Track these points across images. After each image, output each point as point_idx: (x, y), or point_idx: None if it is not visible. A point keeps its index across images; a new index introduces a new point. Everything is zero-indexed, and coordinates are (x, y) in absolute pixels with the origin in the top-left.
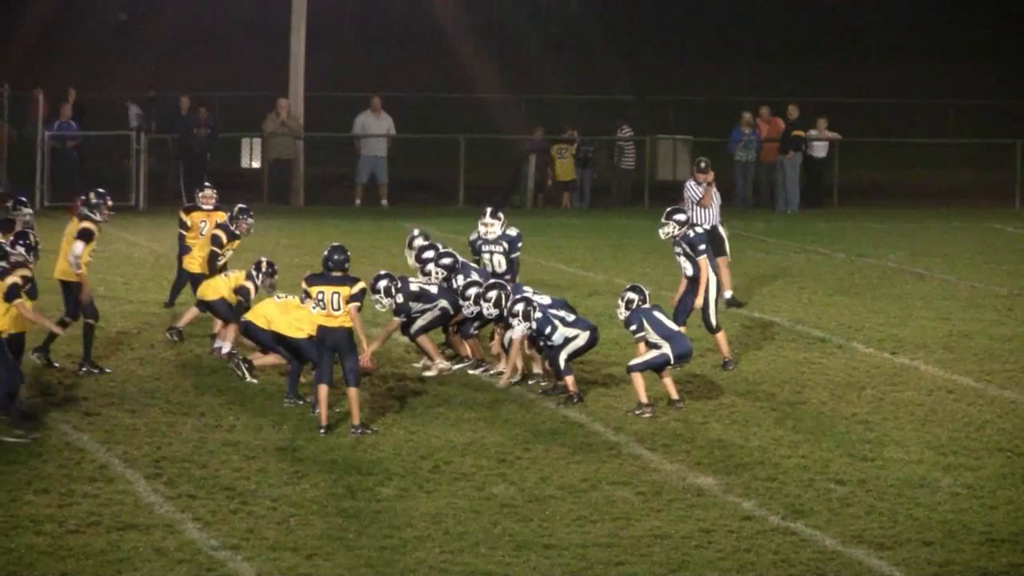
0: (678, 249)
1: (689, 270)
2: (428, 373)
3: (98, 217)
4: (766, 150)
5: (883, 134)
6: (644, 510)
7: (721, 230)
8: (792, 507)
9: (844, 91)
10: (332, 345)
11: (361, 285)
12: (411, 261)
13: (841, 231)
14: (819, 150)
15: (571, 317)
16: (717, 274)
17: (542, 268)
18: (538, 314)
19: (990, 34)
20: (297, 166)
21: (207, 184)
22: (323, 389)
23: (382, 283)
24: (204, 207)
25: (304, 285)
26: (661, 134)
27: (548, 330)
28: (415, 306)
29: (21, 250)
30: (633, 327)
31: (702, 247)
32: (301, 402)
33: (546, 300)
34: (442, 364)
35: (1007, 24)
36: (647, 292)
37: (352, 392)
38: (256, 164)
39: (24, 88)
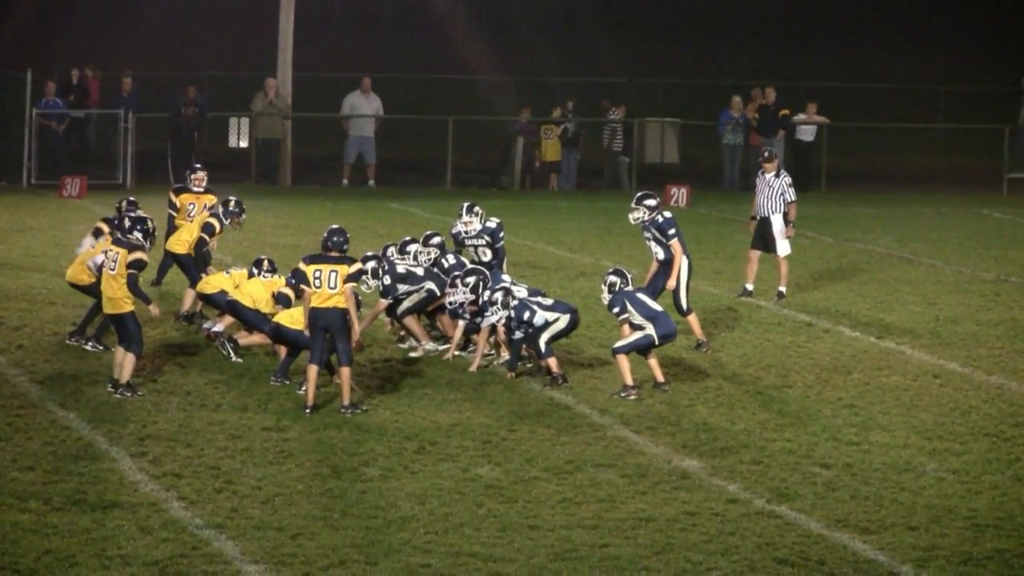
0: (647, 234)
1: (660, 254)
2: (414, 354)
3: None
4: (754, 134)
5: (872, 119)
6: (629, 492)
7: (773, 225)
8: (777, 491)
9: (834, 76)
10: (325, 326)
11: (359, 266)
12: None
13: (829, 215)
14: (807, 134)
15: (549, 301)
16: (689, 258)
17: (530, 250)
18: (515, 302)
19: (979, 21)
20: (285, 146)
21: (198, 166)
22: (313, 370)
23: (369, 264)
24: (194, 189)
25: (301, 265)
26: (650, 116)
27: (527, 316)
28: (401, 287)
29: (139, 235)
30: (616, 309)
31: (672, 231)
32: (288, 382)
33: (523, 292)
34: (428, 345)
35: (996, 11)
36: (630, 275)
37: (345, 372)
38: (244, 143)
39: (15, 67)
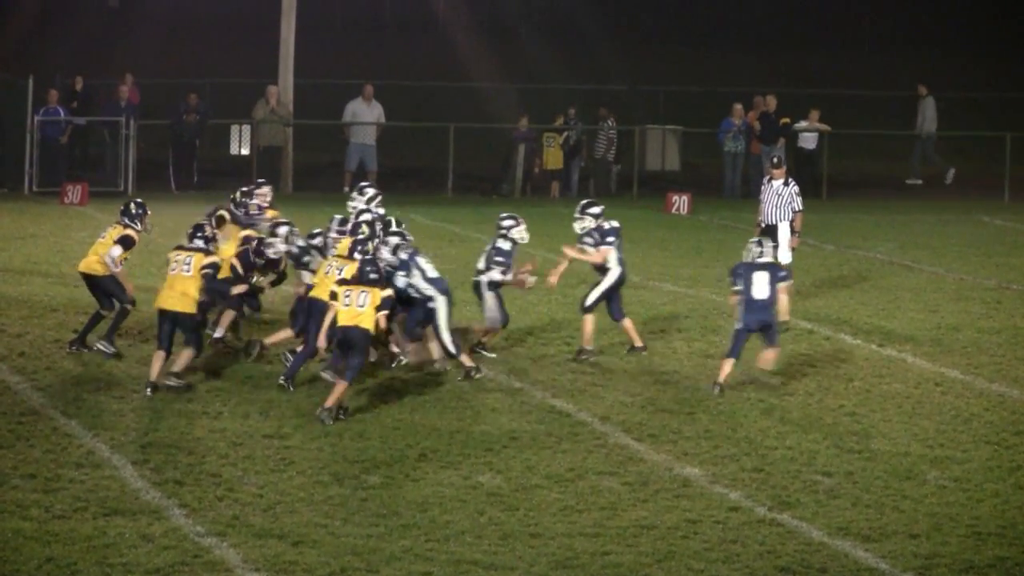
0: (589, 240)
1: (611, 261)
2: (406, 360)
3: (139, 227)
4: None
5: (874, 126)
6: (630, 500)
7: (780, 233)
8: (779, 498)
9: (834, 82)
10: (347, 341)
11: (389, 292)
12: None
13: (830, 223)
14: (810, 142)
15: (434, 273)
16: None
17: (531, 257)
18: (404, 256)
19: (980, 27)
20: (286, 153)
21: (262, 180)
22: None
23: (282, 229)
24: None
25: (335, 287)
26: (651, 124)
27: (402, 274)
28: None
29: (199, 242)
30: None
31: (610, 239)
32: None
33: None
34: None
35: (997, 17)
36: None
37: (343, 386)
38: (245, 151)
39: (15, 73)
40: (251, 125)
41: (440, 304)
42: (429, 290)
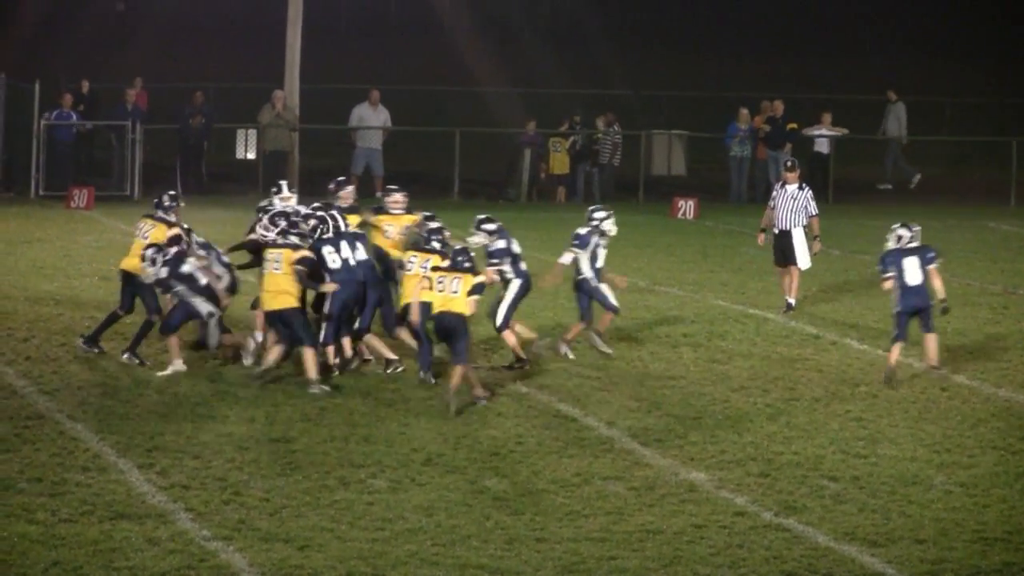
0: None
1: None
2: (398, 370)
3: (173, 219)
4: (761, 146)
5: (878, 131)
6: (636, 505)
7: (795, 238)
8: (785, 503)
9: (841, 87)
10: (445, 328)
11: (481, 279)
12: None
13: (836, 227)
14: (823, 146)
15: (337, 263)
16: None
17: (537, 262)
18: (314, 243)
19: (987, 32)
20: (292, 157)
21: (395, 187)
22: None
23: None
24: (393, 210)
25: (428, 274)
26: (657, 129)
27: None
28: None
29: (295, 238)
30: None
31: (494, 260)
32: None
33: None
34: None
35: (1004, 22)
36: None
37: (459, 370)
38: (251, 155)
39: (22, 78)
40: (257, 130)
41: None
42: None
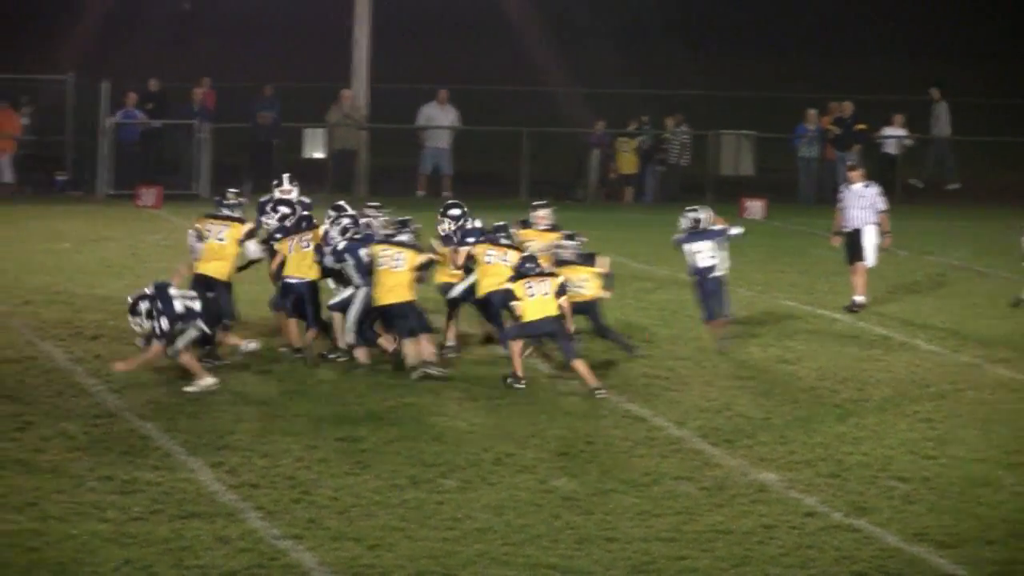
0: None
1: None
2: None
3: (239, 215)
4: (829, 146)
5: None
6: (707, 505)
7: (865, 236)
8: (854, 504)
9: (906, 89)
10: (549, 333)
11: (562, 279)
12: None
13: (904, 228)
14: (893, 147)
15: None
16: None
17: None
18: (347, 243)
19: None
20: (360, 157)
21: (543, 203)
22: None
23: (143, 305)
24: (538, 226)
25: (511, 285)
26: (725, 129)
27: (347, 257)
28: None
29: (409, 235)
30: None
31: (471, 239)
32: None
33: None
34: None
35: None
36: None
37: (579, 363)
38: (319, 154)
39: (89, 76)
40: (325, 129)
41: (359, 295)
42: (357, 279)
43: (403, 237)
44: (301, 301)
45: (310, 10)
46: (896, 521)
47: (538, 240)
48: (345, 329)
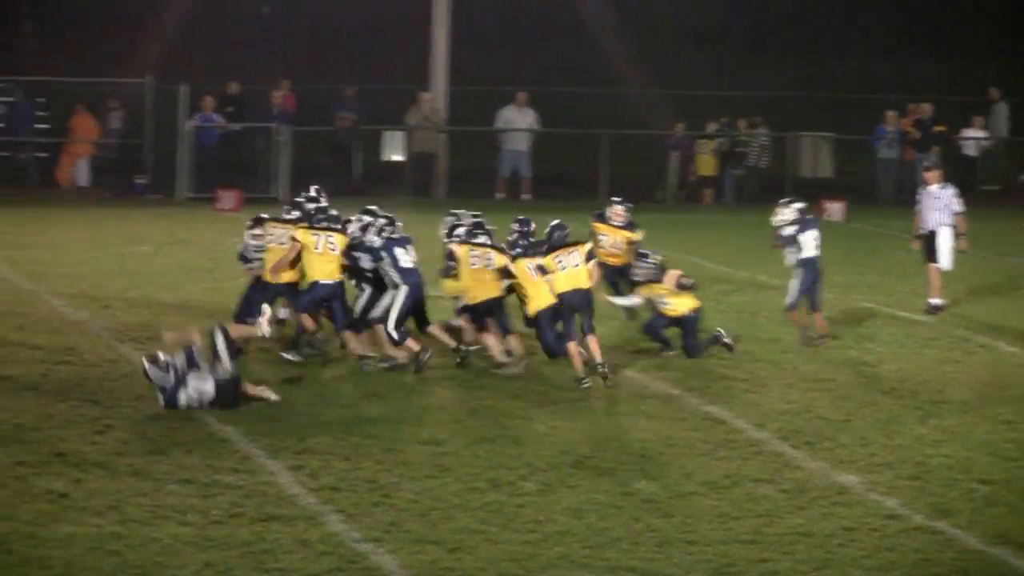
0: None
1: None
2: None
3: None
4: (908, 148)
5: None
6: (787, 507)
7: (939, 238)
8: (935, 506)
9: (983, 90)
10: (577, 306)
11: (589, 245)
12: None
13: (983, 230)
14: (970, 148)
15: (408, 264)
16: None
17: (683, 263)
18: (384, 242)
19: None
20: (439, 159)
21: (619, 199)
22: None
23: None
24: (613, 222)
25: (538, 260)
26: (804, 131)
27: (383, 255)
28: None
29: (484, 238)
30: None
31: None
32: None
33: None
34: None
35: None
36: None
37: (592, 340)
38: (397, 157)
39: (169, 80)
40: (404, 131)
41: (401, 294)
42: (396, 278)
43: (483, 239)
44: (329, 303)
45: (389, 12)
46: (977, 523)
47: (610, 235)
48: (388, 329)
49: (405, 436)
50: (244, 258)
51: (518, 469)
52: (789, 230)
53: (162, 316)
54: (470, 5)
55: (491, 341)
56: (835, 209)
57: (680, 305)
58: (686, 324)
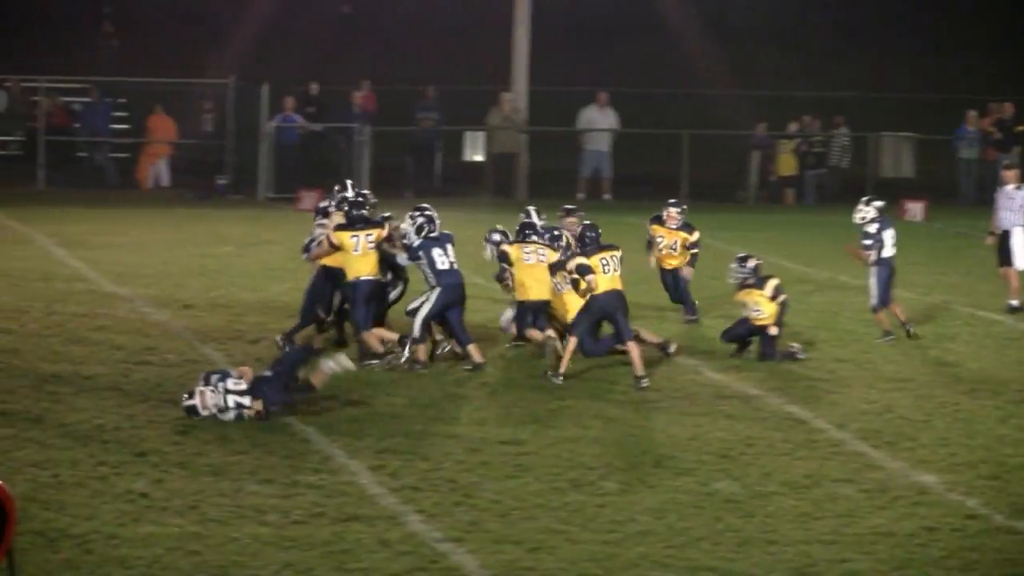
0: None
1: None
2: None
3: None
4: (990, 148)
5: None
6: (868, 507)
7: (1014, 238)
8: (1017, 506)
9: None
10: (609, 310)
11: (620, 252)
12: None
13: None
14: None
15: (445, 265)
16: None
17: (766, 264)
18: (422, 241)
19: None
20: (520, 160)
21: (673, 201)
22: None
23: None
24: (669, 224)
25: (583, 260)
26: (885, 131)
27: (420, 254)
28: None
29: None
30: None
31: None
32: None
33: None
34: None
35: None
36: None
37: (633, 346)
38: (479, 157)
39: (250, 80)
40: (485, 132)
41: (434, 295)
42: (432, 280)
43: (535, 237)
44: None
45: (470, 12)
46: None
47: (668, 237)
48: (414, 323)
49: (486, 436)
50: (308, 249)
51: (599, 469)
52: (873, 227)
53: (244, 316)
54: (551, 5)
55: (536, 336)
56: (916, 209)
57: (769, 315)
58: (767, 334)
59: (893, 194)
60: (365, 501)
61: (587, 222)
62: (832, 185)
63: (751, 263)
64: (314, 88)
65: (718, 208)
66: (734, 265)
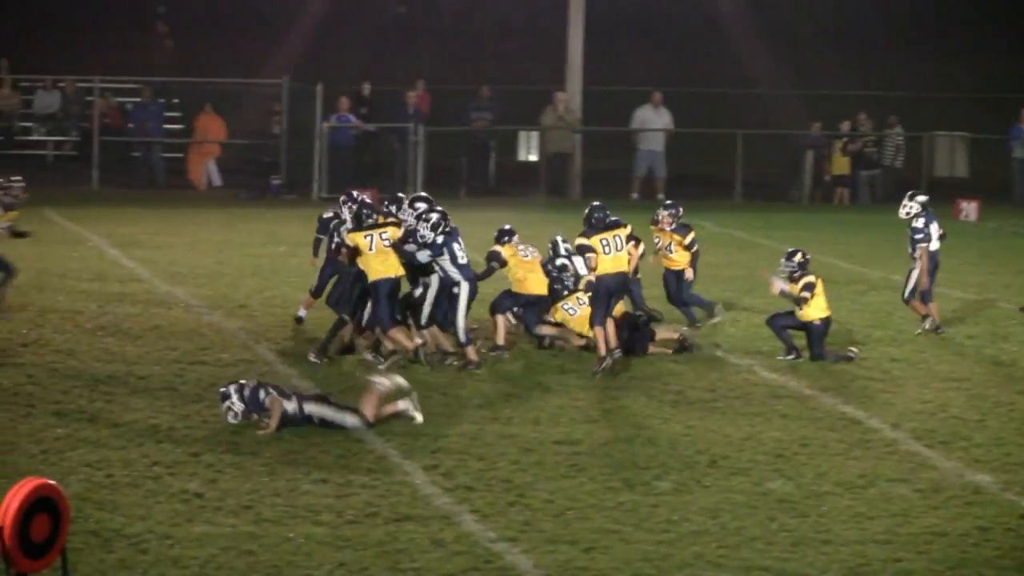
0: None
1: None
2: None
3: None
4: None
5: None
6: (922, 507)
7: None
8: None
9: None
10: (614, 290)
11: (629, 228)
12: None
13: None
14: None
15: (465, 259)
16: None
17: (817, 263)
18: (441, 239)
19: None
20: (574, 159)
21: (669, 202)
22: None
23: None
24: (662, 227)
25: (583, 240)
26: (939, 130)
27: (444, 251)
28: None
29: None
30: None
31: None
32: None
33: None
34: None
35: None
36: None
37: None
38: (533, 157)
39: (304, 81)
40: (539, 132)
41: (464, 291)
42: (455, 275)
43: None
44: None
45: (524, 12)
46: None
47: (663, 239)
48: (457, 329)
49: (540, 436)
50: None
51: (652, 469)
52: (919, 222)
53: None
54: (605, 5)
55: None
56: (970, 209)
57: (812, 312)
58: (812, 331)
59: (947, 194)
60: (419, 501)
61: (596, 203)
62: (886, 185)
63: (797, 258)
64: (366, 88)
65: (771, 208)
66: (782, 259)
